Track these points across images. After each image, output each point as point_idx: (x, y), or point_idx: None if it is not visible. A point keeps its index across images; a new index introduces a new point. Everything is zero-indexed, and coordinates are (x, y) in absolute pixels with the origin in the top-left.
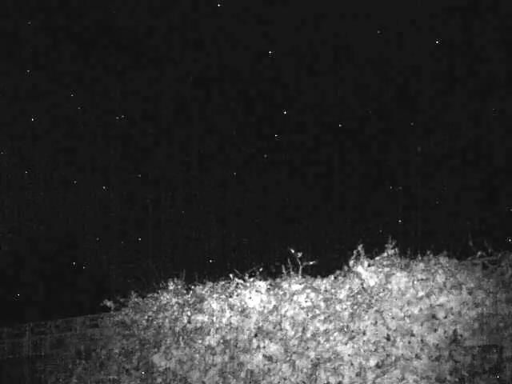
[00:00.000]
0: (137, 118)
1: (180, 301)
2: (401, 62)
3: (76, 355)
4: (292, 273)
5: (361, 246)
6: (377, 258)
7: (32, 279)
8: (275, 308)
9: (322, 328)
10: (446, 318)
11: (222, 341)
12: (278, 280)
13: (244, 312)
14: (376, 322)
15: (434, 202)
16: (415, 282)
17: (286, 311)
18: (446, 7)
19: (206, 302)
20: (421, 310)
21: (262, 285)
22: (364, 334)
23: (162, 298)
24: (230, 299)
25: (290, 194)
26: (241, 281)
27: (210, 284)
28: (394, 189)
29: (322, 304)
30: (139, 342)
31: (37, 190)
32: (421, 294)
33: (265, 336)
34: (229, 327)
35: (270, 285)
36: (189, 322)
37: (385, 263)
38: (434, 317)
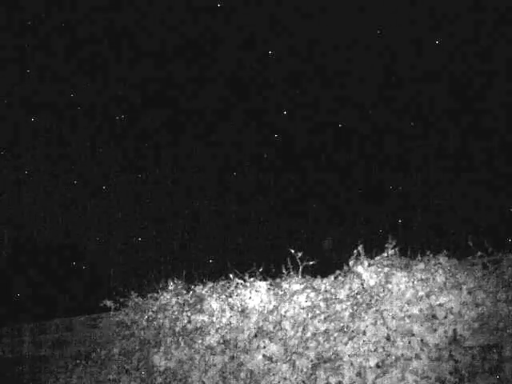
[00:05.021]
0: (136, 117)
1: (180, 301)
2: (400, 61)
3: (76, 355)
4: (292, 273)
5: (361, 246)
6: (377, 258)
7: (32, 279)
8: (275, 308)
9: (322, 328)
10: (445, 318)
11: (222, 341)
12: (277, 280)
13: (244, 312)
14: (376, 322)
15: (433, 201)
16: (415, 282)
17: (286, 311)
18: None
19: (205, 302)
20: (421, 310)
21: (262, 285)
22: (364, 333)
23: (161, 298)
24: (229, 299)
25: (290, 194)
26: (241, 281)
27: (210, 284)
28: (394, 189)
29: (322, 304)
30: (139, 342)
31: (37, 190)
32: (421, 293)
33: (265, 336)
34: (229, 327)
35: (270, 285)
36: (189, 321)
37: (385, 263)
38: (434, 317)
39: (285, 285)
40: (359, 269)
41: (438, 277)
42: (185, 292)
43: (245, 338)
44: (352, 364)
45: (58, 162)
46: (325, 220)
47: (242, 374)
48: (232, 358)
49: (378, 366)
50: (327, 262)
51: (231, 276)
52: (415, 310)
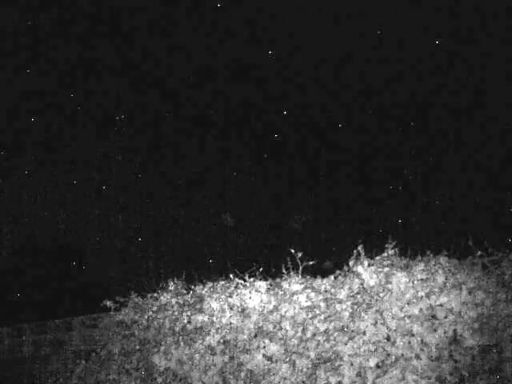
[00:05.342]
0: (136, 118)
1: (180, 301)
2: (400, 62)
3: (76, 355)
4: (292, 273)
5: (361, 246)
6: (377, 258)
7: (32, 279)
8: (275, 308)
9: (321, 328)
10: (446, 318)
11: (222, 341)
12: (277, 280)
13: (244, 312)
14: (376, 322)
15: (433, 201)
16: (415, 282)
17: (285, 311)
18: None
19: (205, 302)
20: (421, 309)
21: (262, 285)
22: (364, 333)
23: (161, 298)
24: (229, 299)
25: (290, 194)
26: (241, 281)
27: (209, 284)
28: (394, 189)
29: (322, 304)
30: (139, 342)
31: (36, 190)
32: (421, 293)
33: (265, 336)
34: (229, 327)
35: (270, 285)
36: (189, 321)
37: (385, 263)
38: (433, 317)
39: (285, 285)
40: (359, 269)
41: (438, 277)
42: (185, 292)
43: (245, 338)
44: (352, 364)
45: (58, 162)
46: (325, 220)
47: (242, 374)
48: (232, 358)
49: (378, 366)
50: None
51: (231, 276)
52: (415, 310)
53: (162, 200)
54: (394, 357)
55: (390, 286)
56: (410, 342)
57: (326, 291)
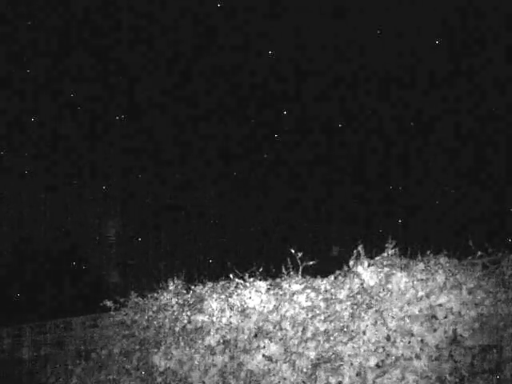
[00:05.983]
0: (135, 118)
1: (180, 301)
2: (400, 63)
3: (76, 355)
4: (292, 273)
5: (361, 246)
6: (377, 258)
7: (32, 279)
8: (275, 308)
9: (321, 328)
10: (445, 318)
11: (222, 341)
12: (278, 280)
13: (244, 312)
14: (376, 322)
15: (433, 201)
16: (415, 282)
17: (286, 311)
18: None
19: (206, 302)
20: (421, 309)
21: (262, 285)
22: (364, 333)
23: (161, 298)
24: (229, 299)
25: (290, 194)
26: (241, 281)
27: (209, 284)
28: (394, 189)
29: (322, 304)
30: (139, 342)
31: (36, 190)
32: (421, 293)
33: (265, 336)
34: (229, 327)
35: (270, 285)
36: (189, 321)
37: (385, 263)
38: (433, 317)
39: (285, 285)
40: (359, 269)
41: (438, 277)
42: (185, 292)
43: (245, 338)
44: (352, 364)
45: (58, 162)
46: (325, 220)
47: (242, 374)
48: (232, 358)
49: (378, 365)
50: (327, 262)
51: (231, 276)
52: (415, 310)
53: (162, 200)
54: (393, 357)
55: (390, 286)
56: (410, 342)
57: (326, 291)
